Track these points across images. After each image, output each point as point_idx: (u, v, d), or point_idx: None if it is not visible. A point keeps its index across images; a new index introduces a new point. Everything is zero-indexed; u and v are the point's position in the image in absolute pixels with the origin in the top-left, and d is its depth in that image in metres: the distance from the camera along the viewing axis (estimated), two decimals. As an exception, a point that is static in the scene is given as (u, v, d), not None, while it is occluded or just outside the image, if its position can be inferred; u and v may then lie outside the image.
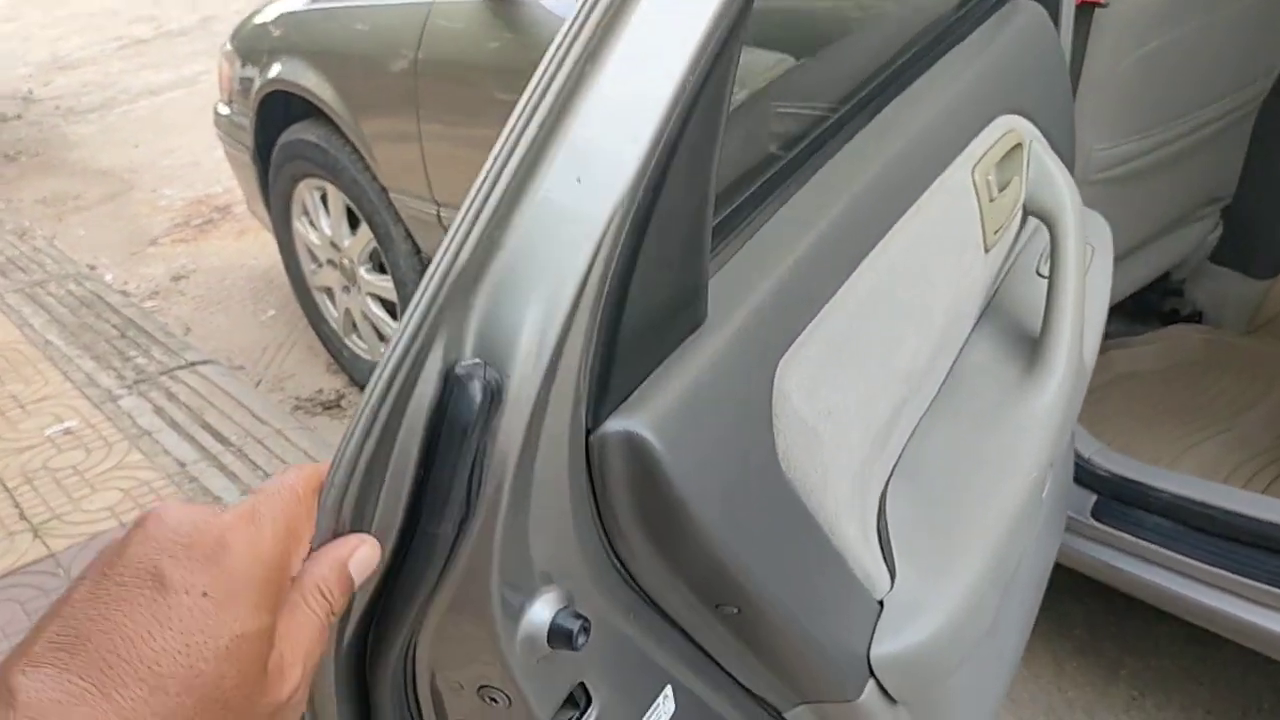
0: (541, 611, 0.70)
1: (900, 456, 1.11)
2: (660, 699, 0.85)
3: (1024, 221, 1.31)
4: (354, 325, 3.29)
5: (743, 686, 0.97)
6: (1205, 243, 2.38)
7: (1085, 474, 1.84)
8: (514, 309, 0.62)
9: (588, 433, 0.71)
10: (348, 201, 3.03)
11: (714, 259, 0.82)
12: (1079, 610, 2.29)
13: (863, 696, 0.99)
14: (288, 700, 0.54)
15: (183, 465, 3.08)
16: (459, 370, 0.61)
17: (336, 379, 3.48)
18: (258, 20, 3.25)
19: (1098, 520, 1.81)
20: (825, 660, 0.93)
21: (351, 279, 3.17)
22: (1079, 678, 2.15)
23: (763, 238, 0.87)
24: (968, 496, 1.09)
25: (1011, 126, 1.23)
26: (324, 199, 3.15)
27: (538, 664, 0.71)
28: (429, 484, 0.62)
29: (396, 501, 0.63)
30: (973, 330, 1.28)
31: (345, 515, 0.62)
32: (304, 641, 0.55)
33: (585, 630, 0.70)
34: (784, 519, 0.86)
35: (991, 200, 1.16)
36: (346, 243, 3.12)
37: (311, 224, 3.24)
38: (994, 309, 1.32)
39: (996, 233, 1.18)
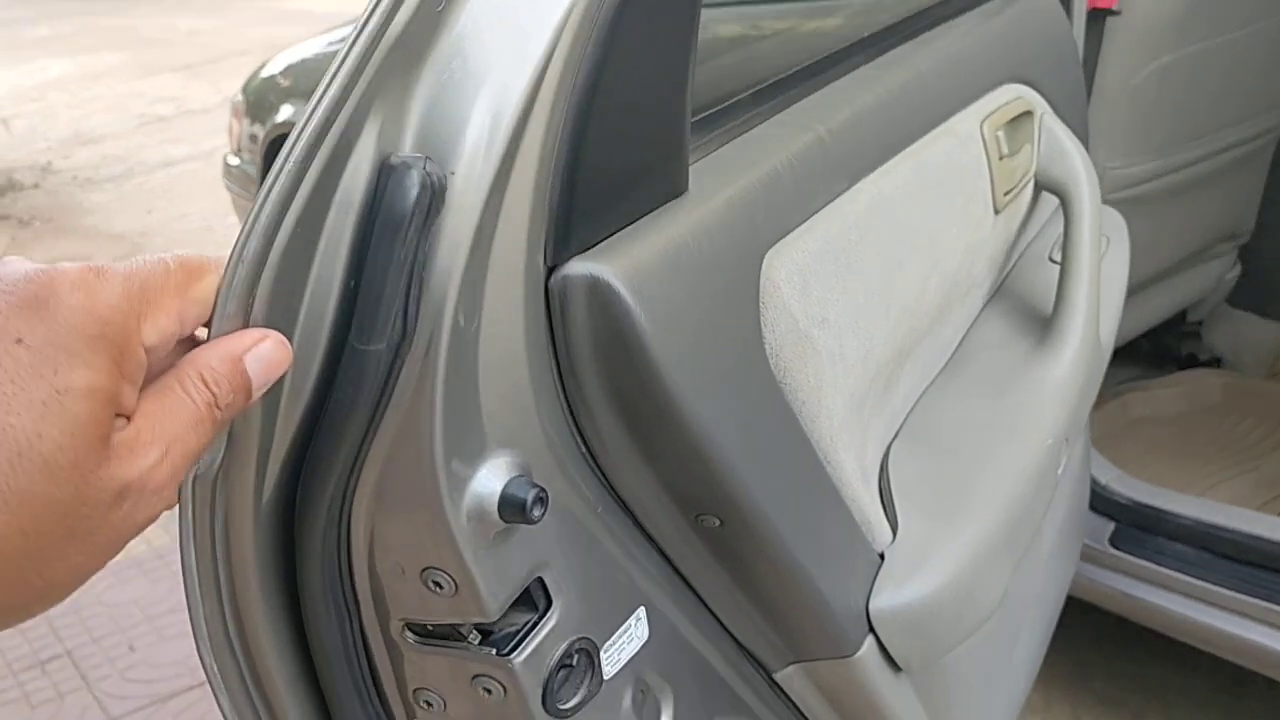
0: (491, 478, 0.62)
1: (905, 422, 1.05)
2: (632, 620, 0.76)
3: (1036, 197, 1.26)
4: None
5: (730, 635, 0.89)
6: (1223, 283, 2.32)
7: (1103, 501, 1.76)
8: (460, 98, 0.56)
9: (548, 274, 0.64)
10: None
11: (703, 145, 0.76)
12: (1098, 659, 2.18)
13: (860, 652, 0.91)
14: (138, 481, 0.46)
15: (170, 507, 2.99)
16: (394, 161, 0.55)
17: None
18: (266, 72, 3.27)
19: (1116, 548, 1.72)
20: (818, 603, 0.85)
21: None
22: (1099, 729, 2.04)
23: (758, 134, 0.82)
24: (977, 457, 1.02)
25: (1020, 94, 1.19)
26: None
27: (488, 544, 0.64)
28: (359, 292, 0.55)
29: (321, 312, 0.56)
30: (983, 310, 1.22)
31: (254, 324, 0.54)
32: (170, 425, 0.48)
33: (542, 502, 0.62)
34: (772, 426, 0.79)
35: (1001, 159, 1.11)
36: (349, 286, 3.08)
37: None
38: (1005, 292, 1.26)
39: (1007, 195, 1.13)
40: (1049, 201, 1.32)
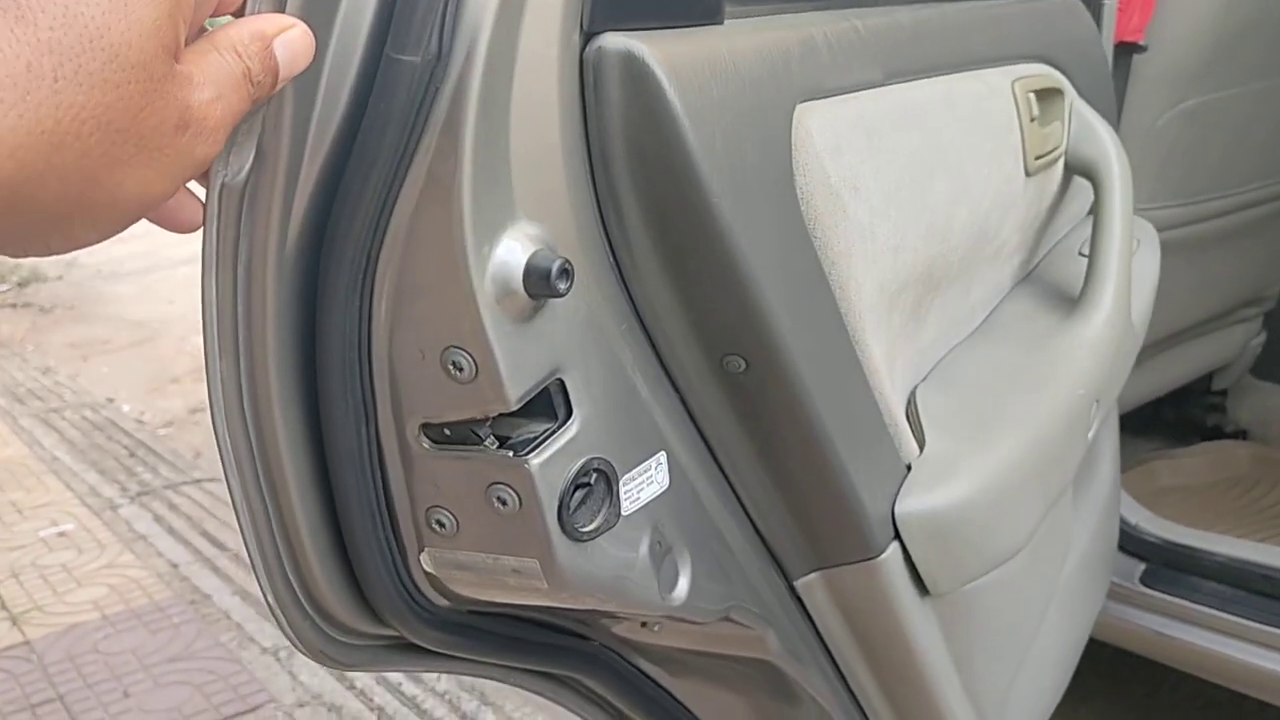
0: (516, 249, 0.61)
1: (933, 370, 1.03)
2: (652, 462, 0.73)
3: (1067, 184, 1.26)
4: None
5: (754, 527, 0.85)
6: (1248, 350, 2.30)
7: (1133, 541, 1.72)
8: None
9: (583, 44, 0.63)
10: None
11: (739, 8, 0.77)
12: (1126, 733, 2.09)
13: (885, 555, 0.87)
14: (199, 111, 0.46)
15: (175, 566, 2.95)
16: None
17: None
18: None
19: (1148, 586, 1.67)
20: (843, 492, 0.83)
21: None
22: (1129, 797, 1.94)
23: (795, 9, 0.82)
24: (1006, 397, 1.00)
25: (1052, 73, 1.20)
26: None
27: (512, 322, 0.62)
28: (397, 1, 0.55)
29: (359, 19, 0.55)
30: (1013, 290, 1.21)
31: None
32: (218, 76, 0.48)
33: (567, 274, 0.60)
34: (802, 273, 0.77)
35: (1032, 120, 1.11)
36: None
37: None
38: (1035, 278, 1.25)
39: (1038, 160, 1.13)
40: (1080, 200, 1.32)
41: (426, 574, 0.74)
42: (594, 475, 0.68)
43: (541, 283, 0.60)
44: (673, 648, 0.91)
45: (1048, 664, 1.29)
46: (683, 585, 0.78)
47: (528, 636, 0.85)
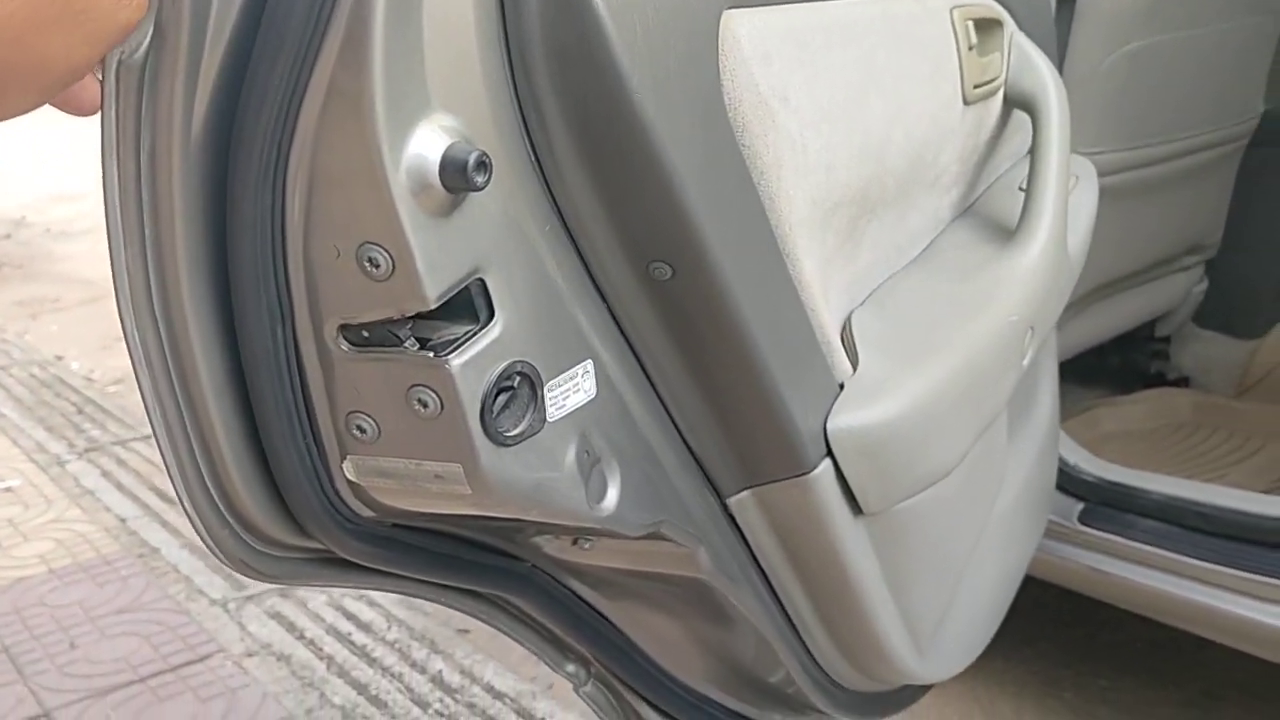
0: (432, 141, 0.59)
1: (869, 297, 1.03)
2: (579, 370, 0.73)
3: (1006, 119, 1.26)
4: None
5: (686, 445, 0.85)
6: (1191, 298, 2.33)
7: (1072, 481, 1.74)
8: None
9: None
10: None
11: None
12: (1067, 675, 2.13)
13: (816, 471, 0.87)
14: None
15: (123, 520, 2.92)
16: None
17: (296, 454, 3.35)
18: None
19: (1085, 525, 1.69)
20: (773, 407, 0.83)
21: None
22: (1068, 735, 1.98)
23: None
24: (940, 323, 1.01)
25: (992, 4, 1.20)
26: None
27: (429, 217, 0.61)
28: None
29: None
30: (952, 222, 1.22)
31: None
32: None
33: (484, 167, 0.59)
34: (730, 181, 0.77)
35: (970, 49, 1.11)
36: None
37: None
38: (974, 211, 1.26)
39: (977, 89, 1.13)
40: (1020, 136, 1.33)
41: (349, 483, 0.73)
42: (517, 379, 0.67)
43: (458, 175, 0.59)
44: (606, 568, 0.91)
45: (984, 596, 1.31)
46: (611, 497, 0.77)
47: (458, 554, 0.84)
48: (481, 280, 0.65)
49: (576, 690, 1.03)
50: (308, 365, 0.67)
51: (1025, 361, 1.12)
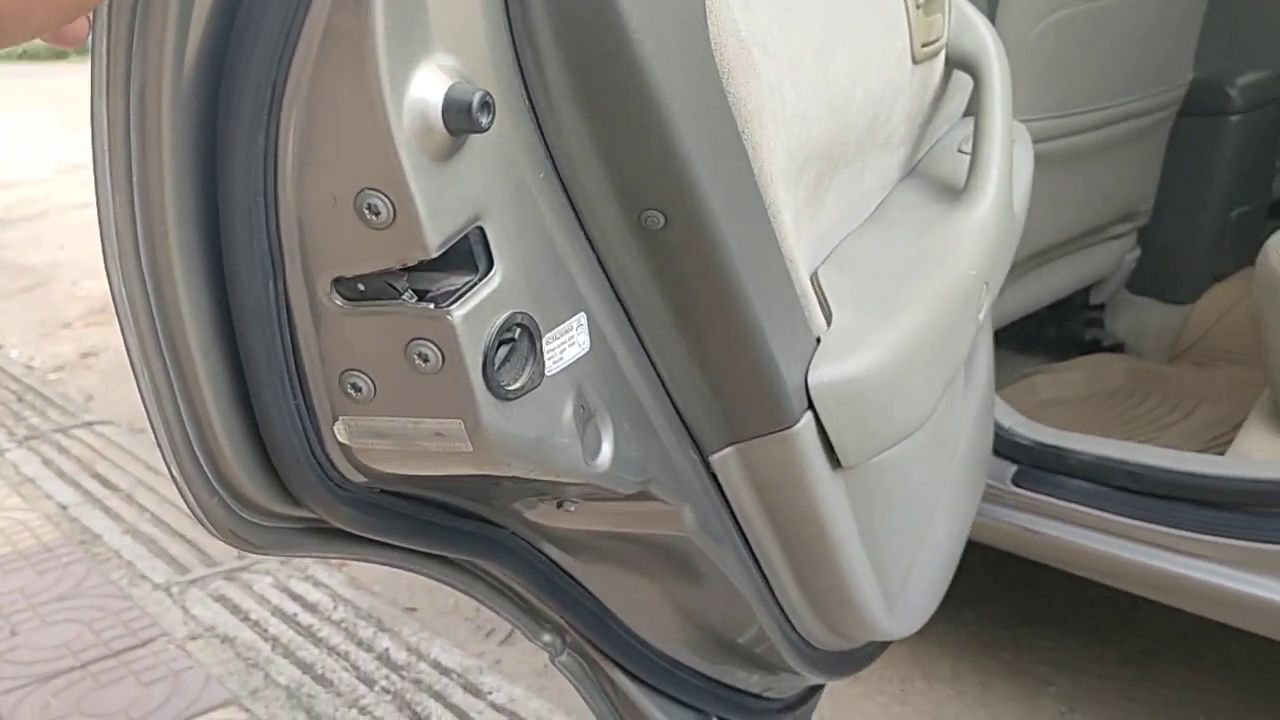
0: (434, 81, 0.57)
1: (830, 254, 1.05)
2: (573, 323, 0.71)
3: (947, 80, 1.28)
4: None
5: (671, 403, 0.85)
6: (1124, 265, 2.37)
7: (1006, 444, 1.76)
8: None
9: None
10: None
11: None
12: (1006, 635, 2.16)
13: (799, 425, 0.88)
14: None
15: (64, 508, 2.88)
16: None
17: (241, 438, 3.32)
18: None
19: (1019, 486, 1.72)
20: (758, 361, 0.82)
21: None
22: (1005, 694, 2.01)
23: None
24: (905, 277, 1.03)
25: None
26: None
27: (430, 161, 0.58)
28: None
29: None
30: (899, 182, 1.23)
31: None
32: None
33: (488, 108, 0.58)
34: (719, 127, 0.76)
35: (918, 7, 1.12)
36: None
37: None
38: (918, 173, 1.28)
39: (924, 48, 1.14)
40: (956, 100, 1.35)
41: (340, 447, 0.71)
42: (517, 331, 0.65)
43: (462, 116, 0.57)
44: (586, 531, 0.91)
45: (939, 553, 1.33)
46: (606, 452, 0.76)
47: (439, 521, 0.83)
48: (480, 228, 0.63)
49: (552, 660, 1.04)
50: (299, 323, 0.65)
51: (980, 316, 1.14)
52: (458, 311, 0.62)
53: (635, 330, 0.81)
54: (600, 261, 0.77)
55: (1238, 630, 1.60)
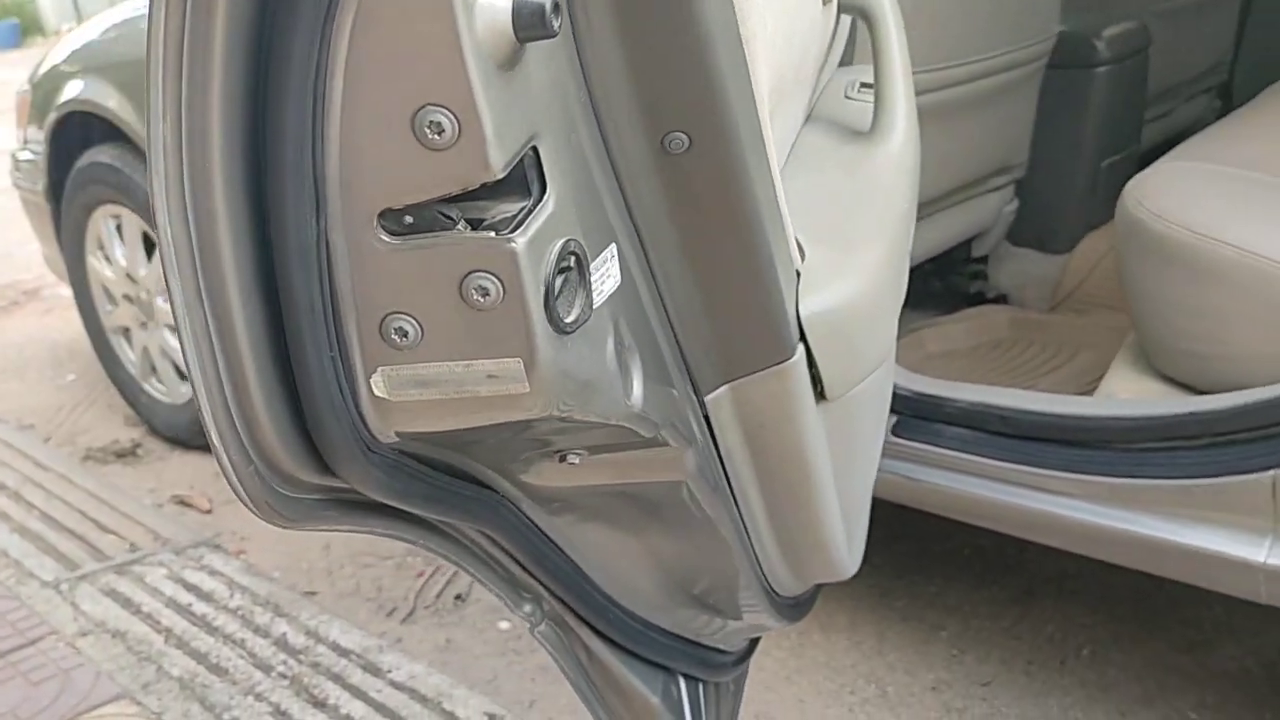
0: None
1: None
2: (609, 253, 0.69)
3: (835, 28, 1.29)
4: (152, 367, 3.09)
5: (676, 341, 0.85)
6: (1003, 217, 2.41)
7: (885, 396, 1.79)
8: None
9: None
10: (143, 226, 2.89)
11: None
12: (900, 585, 2.21)
13: (794, 359, 0.89)
14: None
15: (-54, 509, 2.80)
16: None
17: (135, 429, 3.25)
18: (50, 61, 3.15)
19: (899, 436, 1.75)
20: (767, 279, 0.83)
21: (149, 313, 2.99)
22: (899, 641, 2.05)
23: None
24: (852, 213, 1.05)
25: None
26: (119, 228, 2.99)
27: (497, 73, 0.55)
28: None
29: None
30: (801, 129, 1.25)
31: None
32: None
33: (559, 10, 0.55)
34: (735, 49, 0.75)
35: None
36: (143, 272, 2.95)
37: (106, 258, 3.07)
38: (815, 120, 1.29)
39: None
40: (837, 47, 1.37)
41: (374, 403, 0.67)
42: (572, 259, 0.62)
43: (535, 20, 0.54)
44: (575, 490, 0.90)
45: (869, 492, 1.35)
46: (636, 390, 0.74)
47: (443, 485, 0.81)
48: (535, 149, 0.60)
49: (531, 631, 1.05)
50: (338, 266, 0.61)
51: (909, 248, 1.17)
52: (520, 239, 0.58)
53: (649, 263, 0.79)
54: (621, 190, 0.74)
55: (1112, 565, 1.65)
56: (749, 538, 1.08)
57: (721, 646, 1.31)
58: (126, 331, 3.15)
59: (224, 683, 2.04)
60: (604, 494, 0.94)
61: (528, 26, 0.55)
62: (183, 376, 3.00)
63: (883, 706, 1.90)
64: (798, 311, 0.91)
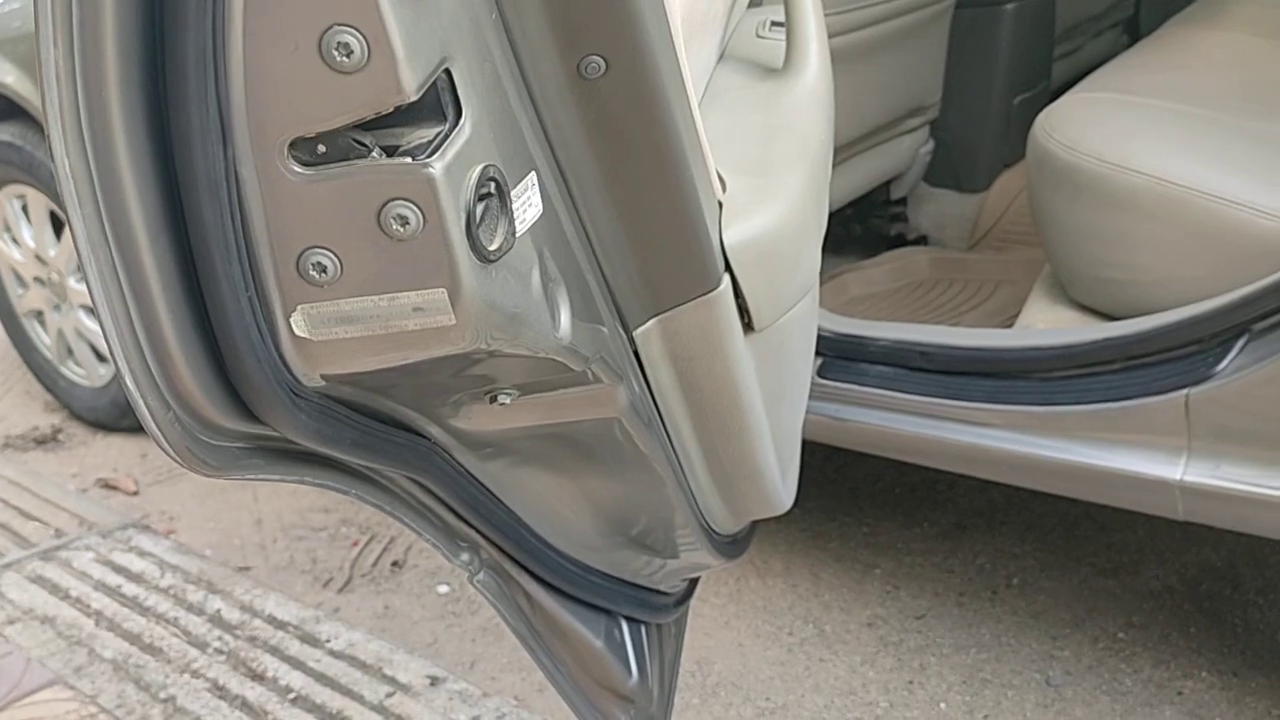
0: None
1: None
2: (529, 181, 0.68)
3: None
4: (69, 349, 3.02)
5: (602, 274, 0.84)
6: (919, 159, 2.43)
7: (809, 338, 1.80)
8: None
9: None
10: (50, 205, 2.81)
11: None
12: (833, 527, 2.23)
13: (720, 288, 0.89)
14: None
15: None
16: None
17: (54, 415, 3.17)
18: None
19: (824, 378, 1.76)
20: (690, 209, 0.82)
21: (61, 295, 2.91)
22: (834, 582, 2.08)
23: None
24: (768, 145, 1.05)
25: None
26: (25, 208, 2.90)
27: None
28: None
29: None
30: (715, 69, 1.24)
31: None
32: None
33: None
34: None
35: None
36: (53, 253, 2.87)
37: (14, 240, 2.98)
38: (727, 59, 1.29)
39: None
40: None
41: (295, 343, 0.65)
42: (492, 185, 0.61)
43: None
44: (509, 433, 0.89)
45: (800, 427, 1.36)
46: (564, 321, 0.73)
47: (375, 431, 0.79)
48: (448, 72, 0.58)
49: (470, 580, 1.04)
50: (249, 201, 0.59)
51: (828, 180, 1.18)
52: (438, 163, 0.57)
53: (570, 194, 0.78)
54: (539, 117, 0.73)
55: (1039, 495, 1.68)
56: (684, 474, 1.08)
57: (661, 588, 1.32)
58: (40, 315, 3.07)
59: (159, 662, 2.02)
60: (537, 436, 0.94)
61: None
62: (101, 359, 2.93)
63: (820, 645, 1.93)
64: (722, 241, 0.91)
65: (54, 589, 2.27)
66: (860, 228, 2.56)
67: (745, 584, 2.11)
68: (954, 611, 1.97)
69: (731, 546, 1.33)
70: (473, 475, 0.96)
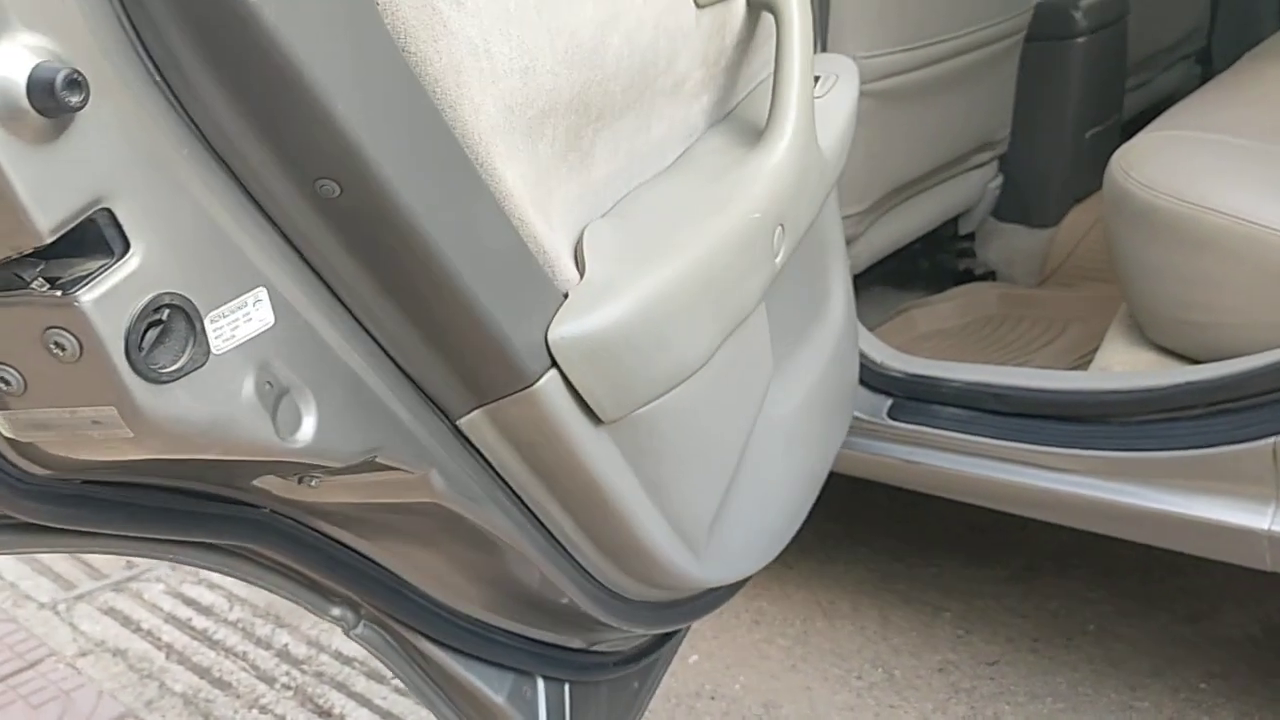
0: (15, 61, 0.56)
1: (611, 209, 1.03)
2: (249, 299, 0.70)
3: (754, 22, 1.26)
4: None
5: (402, 373, 0.84)
6: (987, 194, 2.40)
7: (879, 378, 1.78)
8: None
9: None
10: None
11: None
12: (900, 568, 2.20)
13: (540, 383, 0.87)
14: None
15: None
16: None
17: (124, 446, 3.23)
18: None
19: (894, 419, 1.74)
20: (481, 320, 0.81)
21: None
22: (903, 624, 2.05)
23: None
24: (678, 224, 1.01)
25: None
26: None
27: (28, 145, 0.56)
28: None
29: None
30: (708, 129, 1.22)
31: None
32: None
33: (76, 86, 0.56)
34: (394, 91, 0.74)
35: None
36: None
37: None
38: (731, 118, 1.26)
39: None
40: (772, 42, 1.34)
41: (10, 441, 0.70)
42: (167, 312, 0.64)
43: (46, 96, 0.55)
44: (348, 504, 0.89)
45: (774, 498, 1.33)
46: (308, 427, 0.75)
47: (175, 506, 0.81)
48: (108, 210, 0.61)
49: (347, 633, 1.01)
50: None
51: (778, 260, 1.13)
52: (85, 297, 0.61)
53: (341, 301, 0.79)
54: (280, 231, 0.74)
55: (1111, 538, 1.64)
56: (563, 547, 1.05)
57: (592, 647, 1.26)
58: None
59: (228, 696, 2.03)
60: (378, 509, 0.93)
61: (42, 102, 0.56)
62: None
63: (890, 690, 1.90)
64: (548, 336, 0.89)
65: (125, 621, 2.30)
66: (928, 263, 2.54)
67: (812, 625, 2.08)
68: (1028, 658, 1.93)
69: (665, 612, 1.26)
70: (331, 537, 0.94)
